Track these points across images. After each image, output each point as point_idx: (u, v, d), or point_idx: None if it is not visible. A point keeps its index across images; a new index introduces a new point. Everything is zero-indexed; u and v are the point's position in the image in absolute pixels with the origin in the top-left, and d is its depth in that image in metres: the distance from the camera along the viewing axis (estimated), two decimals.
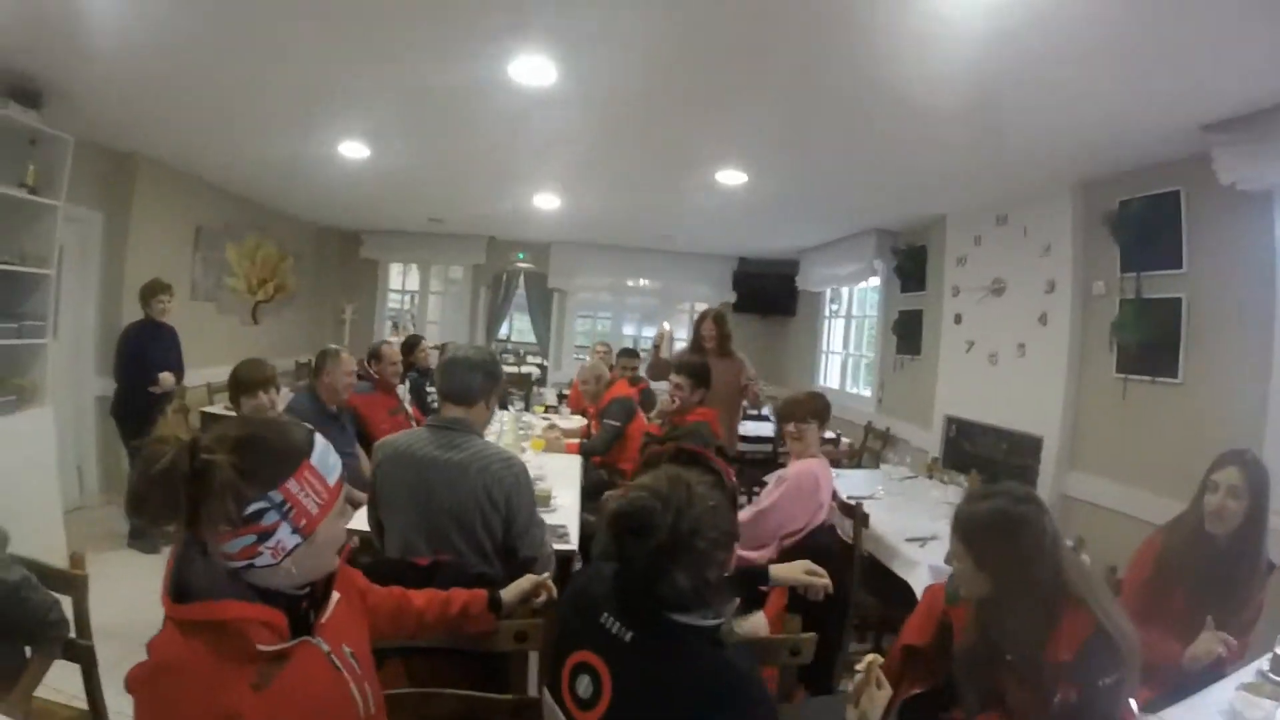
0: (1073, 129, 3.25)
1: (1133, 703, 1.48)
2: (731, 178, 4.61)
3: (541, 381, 8.89)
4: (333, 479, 1.16)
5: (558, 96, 3.22)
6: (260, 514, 1.06)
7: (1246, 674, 1.85)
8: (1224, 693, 1.73)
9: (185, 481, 1.01)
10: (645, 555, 1.19)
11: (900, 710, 1.83)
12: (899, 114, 3.20)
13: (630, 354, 6.27)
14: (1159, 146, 3.40)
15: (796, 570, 1.90)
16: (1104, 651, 1.51)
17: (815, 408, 3.21)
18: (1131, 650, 1.52)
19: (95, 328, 4.98)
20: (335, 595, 1.26)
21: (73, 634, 1.89)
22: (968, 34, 2.41)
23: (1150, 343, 3.61)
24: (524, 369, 8.87)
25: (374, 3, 2.54)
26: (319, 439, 1.18)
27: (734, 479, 1.35)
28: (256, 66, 3.13)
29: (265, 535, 1.07)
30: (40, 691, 1.85)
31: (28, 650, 1.84)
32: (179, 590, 1.06)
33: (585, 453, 4.53)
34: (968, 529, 1.69)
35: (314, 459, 1.13)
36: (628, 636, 1.23)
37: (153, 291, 4.54)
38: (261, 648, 1.05)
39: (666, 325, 5.56)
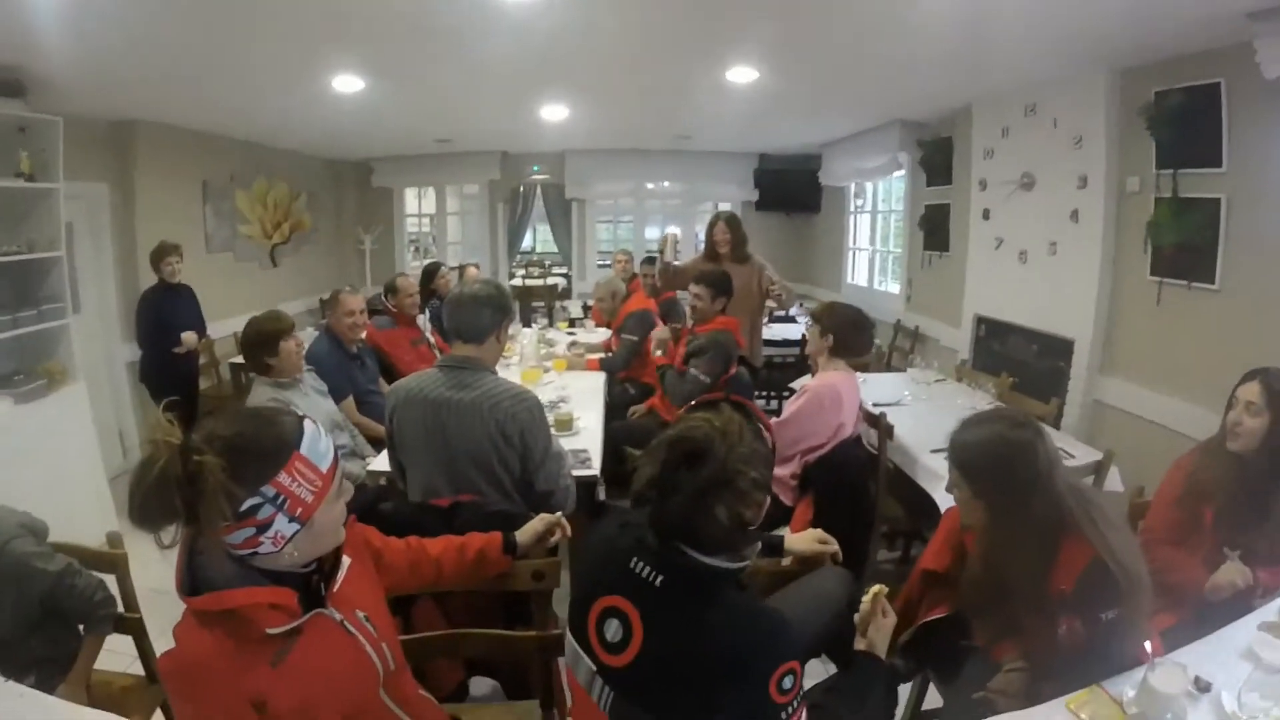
0: (1106, 7, 2.96)
1: (1148, 645, 1.44)
2: (742, 75, 4.35)
3: (567, 292, 8.85)
4: (325, 465, 1.17)
5: (547, 7, 3.03)
6: (256, 509, 1.08)
7: (1269, 611, 1.72)
8: (1245, 631, 1.64)
9: (179, 486, 1.04)
10: (694, 485, 1.20)
11: (920, 634, 1.84)
12: None
13: (653, 262, 6.18)
14: (1200, 33, 3.10)
15: (809, 540, 1.92)
16: (1101, 584, 1.48)
17: (817, 314, 3.22)
18: (1135, 585, 1.47)
19: (117, 297, 5.02)
20: (346, 561, 1.30)
21: (121, 609, 1.98)
22: None
23: (1187, 245, 3.41)
24: (550, 280, 8.81)
25: None
26: (308, 426, 1.18)
27: (774, 436, 1.34)
28: (228, 7, 2.97)
29: (263, 527, 1.09)
30: (101, 662, 1.94)
31: (81, 628, 1.93)
32: (191, 583, 1.10)
33: (606, 369, 4.59)
34: (962, 457, 1.65)
35: (304, 449, 1.14)
36: (658, 580, 1.25)
37: (161, 254, 4.55)
38: (270, 631, 1.09)
39: (671, 229, 5.39)
